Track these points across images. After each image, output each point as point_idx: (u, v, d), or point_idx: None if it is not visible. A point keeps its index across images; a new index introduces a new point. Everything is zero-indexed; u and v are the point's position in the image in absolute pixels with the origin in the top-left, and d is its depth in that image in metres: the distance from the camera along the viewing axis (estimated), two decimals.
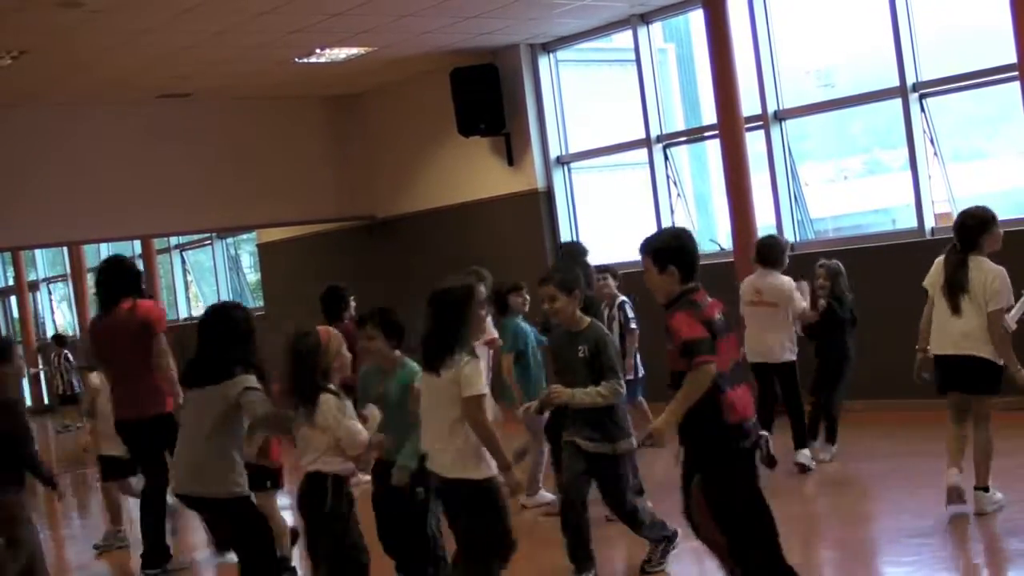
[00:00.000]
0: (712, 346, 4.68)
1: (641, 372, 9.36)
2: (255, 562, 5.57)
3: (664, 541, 6.29)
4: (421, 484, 5.69)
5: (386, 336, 5.86)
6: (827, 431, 8.51)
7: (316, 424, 5.24)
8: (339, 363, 5.39)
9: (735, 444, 4.74)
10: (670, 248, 4.93)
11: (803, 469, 8.07)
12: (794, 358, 8.26)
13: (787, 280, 8.25)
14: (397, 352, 5.89)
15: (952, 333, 6.47)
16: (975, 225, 6.54)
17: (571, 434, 6.10)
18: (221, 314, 5.73)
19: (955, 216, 7.00)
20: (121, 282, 7.58)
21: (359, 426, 5.30)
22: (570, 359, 6.04)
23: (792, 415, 8.25)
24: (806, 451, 8.19)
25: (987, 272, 6.44)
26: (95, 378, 8.51)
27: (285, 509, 7.29)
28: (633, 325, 8.84)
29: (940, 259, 6.67)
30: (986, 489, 6.45)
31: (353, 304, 9.40)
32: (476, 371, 5.08)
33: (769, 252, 8.37)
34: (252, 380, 5.48)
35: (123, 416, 7.52)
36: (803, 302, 8.18)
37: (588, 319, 6.14)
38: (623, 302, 9.00)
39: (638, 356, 9.45)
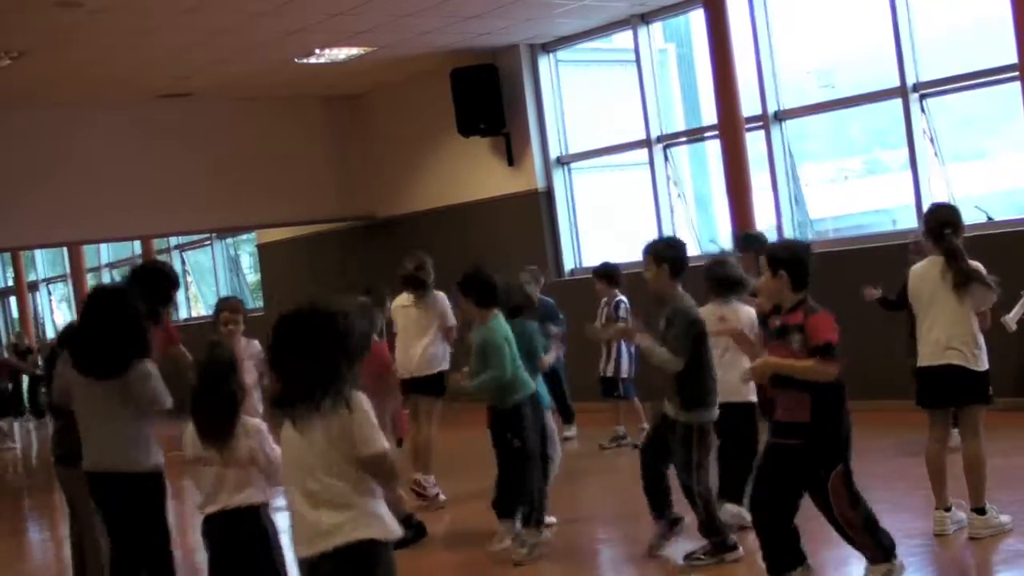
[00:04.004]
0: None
1: (632, 370, 9.99)
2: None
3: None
4: (515, 433, 6.64)
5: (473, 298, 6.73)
6: None
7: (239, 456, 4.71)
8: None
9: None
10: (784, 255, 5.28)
11: None
12: None
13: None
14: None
15: (931, 342, 6.13)
16: (958, 223, 6.18)
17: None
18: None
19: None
20: None
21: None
22: (657, 323, 6.23)
23: None
24: None
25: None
26: None
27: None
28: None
29: (918, 268, 6.29)
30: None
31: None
32: None
33: None
34: None
35: None
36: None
37: (681, 292, 6.24)
38: (619, 301, 9.78)
39: (631, 353, 9.80)
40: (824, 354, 5.04)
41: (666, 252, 6.23)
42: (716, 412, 6.26)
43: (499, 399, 6.82)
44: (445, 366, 8.66)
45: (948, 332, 6.06)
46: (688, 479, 6.22)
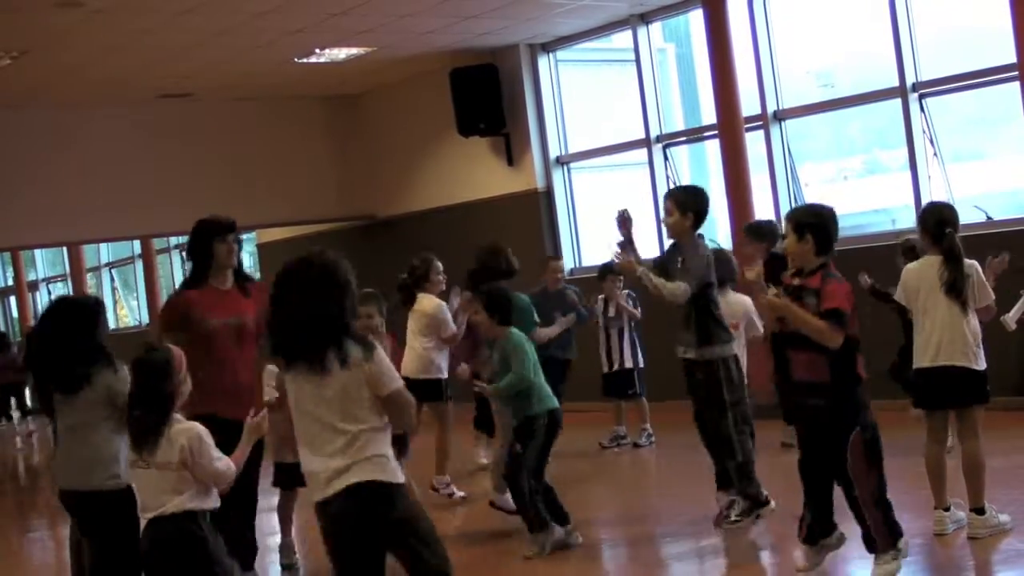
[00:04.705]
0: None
1: (642, 363, 10.16)
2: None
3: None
4: (521, 441, 6.66)
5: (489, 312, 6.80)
6: None
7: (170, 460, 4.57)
8: (185, 388, 4.75)
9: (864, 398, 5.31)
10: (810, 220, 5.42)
11: None
12: None
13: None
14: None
15: (934, 343, 6.07)
16: (957, 223, 6.16)
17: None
18: None
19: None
20: None
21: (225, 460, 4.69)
22: (670, 268, 6.35)
23: None
24: None
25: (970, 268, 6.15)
26: None
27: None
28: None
29: (914, 266, 6.26)
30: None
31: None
32: None
33: None
34: None
35: None
36: None
37: (698, 241, 6.38)
38: (627, 294, 10.01)
39: (639, 346, 9.93)
40: (833, 319, 5.14)
41: (693, 202, 6.38)
42: (734, 347, 6.34)
43: (515, 411, 6.82)
44: (440, 374, 8.62)
45: (950, 332, 6.02)
46: (723, 420, 6.19)
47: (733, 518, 6.24)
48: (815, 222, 5.41)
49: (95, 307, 5.77)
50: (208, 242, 6.10)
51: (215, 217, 6.21)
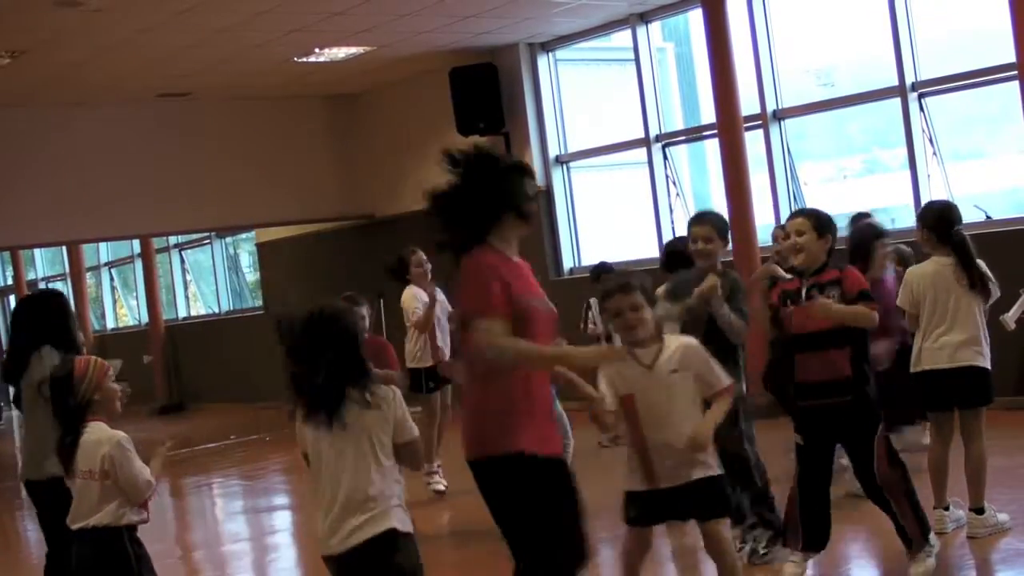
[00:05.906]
0: None
1: None
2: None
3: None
4: None
5: None
6: None
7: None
8: (102, 395, 4.59)
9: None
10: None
11: None
12: None
13: None
14: None
15: (953, 344, 6.01)
16: (961, 221, 6.15)
17: None
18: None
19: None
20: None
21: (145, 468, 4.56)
22: (679, 294, 5.97)
23: None
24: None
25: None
26: None
27: None
28: None
29: (922, 269, 6.18)
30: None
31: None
32: None
33: None
34: None
35: None
36: None
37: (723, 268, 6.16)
38: None
39: None
40: (867, 300, 5.27)
41: (726, 225, 6.19)
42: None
43: None
44: (419, 364, 8.82)
45: (967, 333, 5.98)
46: (742, 448, 5.97)
47: (761, 551, 6.08)
48: (831, 224, 5.55)
49: (30, 301, 5.99)
50: (520, 185, 4.36)
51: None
